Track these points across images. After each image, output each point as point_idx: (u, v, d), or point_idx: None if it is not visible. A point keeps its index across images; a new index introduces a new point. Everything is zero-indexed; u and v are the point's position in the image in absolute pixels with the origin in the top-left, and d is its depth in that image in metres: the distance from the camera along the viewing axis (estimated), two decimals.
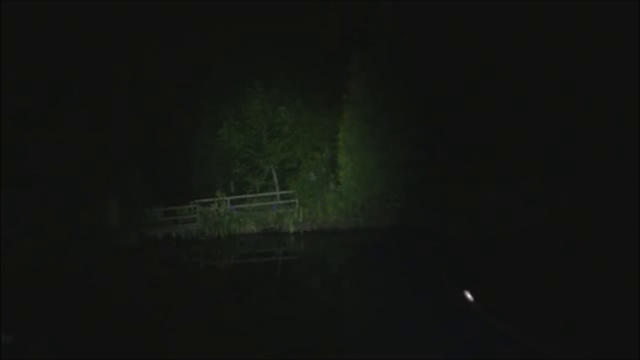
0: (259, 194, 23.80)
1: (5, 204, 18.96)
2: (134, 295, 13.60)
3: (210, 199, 22.95)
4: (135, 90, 23.74)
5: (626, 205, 16.22)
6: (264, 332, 9.73)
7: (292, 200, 23.01)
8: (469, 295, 7.69)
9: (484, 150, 20.85)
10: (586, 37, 19.02)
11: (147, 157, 23.23)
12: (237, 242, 20.94)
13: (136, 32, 23.94)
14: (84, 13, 22.60)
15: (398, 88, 21.31)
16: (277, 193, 23.79)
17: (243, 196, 23.61)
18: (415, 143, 21.50)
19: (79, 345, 9.59)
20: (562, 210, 17.45)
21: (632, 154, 17.54)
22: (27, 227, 19.07)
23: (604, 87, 19.03)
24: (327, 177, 23.13)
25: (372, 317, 10.17)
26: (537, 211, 17.81)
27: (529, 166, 19.82)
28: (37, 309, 12.30)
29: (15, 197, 19.28)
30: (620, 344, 7.58)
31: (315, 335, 9.40)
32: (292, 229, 21.52)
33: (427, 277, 12.88)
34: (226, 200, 23.08)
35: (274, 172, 24.40)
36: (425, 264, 14.48)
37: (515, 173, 19.70)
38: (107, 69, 23.09)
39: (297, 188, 23.08)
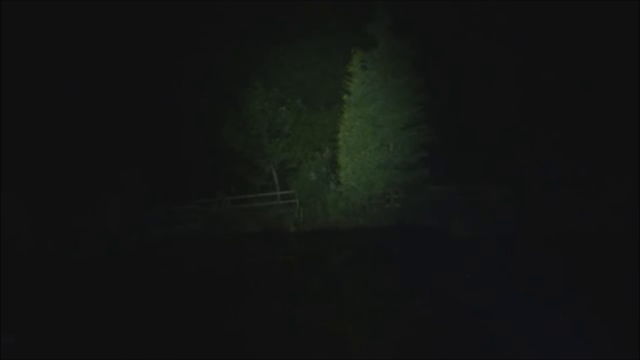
0: (259, 194, 23.78)
1: (5, 203, 18.96)
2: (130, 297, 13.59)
3: (211, 199, 22.92)
4: (135, 90, 23.73)
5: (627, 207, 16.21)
6: None
7: (293, 201, 23.00)
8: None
9: (484, 150, 20.84)
10: (587, 37, 19.00)
11: (148, 156, 23.19)
12: (240, 243, 20.80)
13: (136, 32, 23.94)
14: (81, 12, 22.61)
15: (398, 88, 21.30)
16: (278, 193, 23.77)
17: (243, 196, 23.59)
18: (415, 143, 21.50)
19: (79, 345, 9.58)
20: (562, 210, 17.43)
21: (632, 154, 17.51)
22: (28, 226, 19.08)
23: (604, 87, 19.00)
24: (327, 177, 23.11)
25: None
26: (537, 211, 17.79)
27: (529, 166, 19.78)
28: (38, 309, 12.29)
29: (15, 196, 19.28)
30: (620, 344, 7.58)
31: None
32: (292, 229, 21.51)
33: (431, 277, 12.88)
34: (226, 200, 23.06)
35: (274, 172, 24.39)
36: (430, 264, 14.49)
37: (515, 173, 19.68)
38: (108, 69, 23.10)
39: (298, 188, 23.06)
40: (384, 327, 9.79)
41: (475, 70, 21.59)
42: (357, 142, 21.17)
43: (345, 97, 21.50)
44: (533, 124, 20.32)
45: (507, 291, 10.42)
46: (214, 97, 24.86)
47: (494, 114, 21.02)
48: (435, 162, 21.12)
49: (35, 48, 21.42)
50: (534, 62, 20.48)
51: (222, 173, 23.99)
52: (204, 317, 11.09)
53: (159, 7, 24.53)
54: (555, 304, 9.67)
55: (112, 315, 11.45)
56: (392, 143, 21.64)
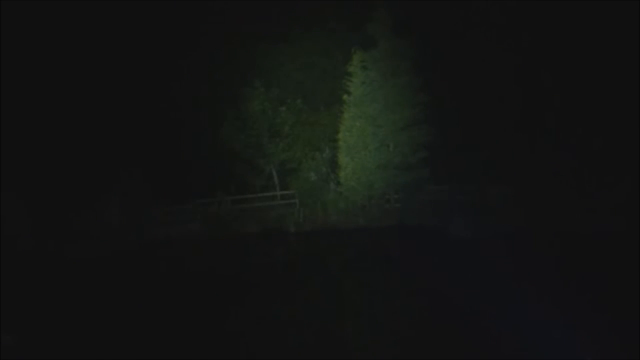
0: (259, 194, 23.79)
1: (5, 203, 18.97)
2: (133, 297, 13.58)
3: (211, 199, 22.93)
4: (135, 90, 23.73)
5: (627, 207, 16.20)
6: None
7: (293, 201, 23.01)
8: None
9: (484, 150, 20.83)
10: (587, 37, 18.99)
11: (148, 156, 23.20)
12: (240, 243, 20.75)
13: (136, 32, 23.93)
14: (81, 12, 22.62)
15: (398, 88, 21.31)
16: (278, 193, 23.78)
17: (243, 196, 23.60)
18: (415, 143, 21.51)
19: (79, 345, 9.57)
20: (562, 210, 17.43)
21: (632, 154, 17.50)
22: (28, 226, 19.10)
23: (604, 87, 18.98)
24: (327, 177, 23.14)
25: None
26: (537, 211, 17.78)
27: (529, 166, 19.78)
28: (38, 309, 12.28)
29: (15, 196, 19.29)
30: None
31: None
32: (292, 229, 21.52)
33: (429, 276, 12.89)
34: (226, 200, 23.08)
35: (274, 172, 24.40)
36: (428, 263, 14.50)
37: (515, 173, 19.68)
38: (108, 69, 23.10)
39: (298, 188, 23.07)
40: (384, 327, 9.79)
41: (475, 71, 21.58)
42: (357, 142, 21.19)
43: (345, 97, 21.52)
44: (533, 124, 20.30)
45: (507, 291, 10.41)
46: (214, 97, 24.87)
47: (494, 114, 21.01)
48: (435, 162, 21.12)
49: (36, 48, 21.43)
50: (534, 63, 20.46)
51: (222, 173, 24.00)
52: (204, 317, 11.09)
53: (159, 7, 24.52)
54: (555, 304, 9.67)
55: (112, 315, 11.44)
56: (392, 143, 21.65)
